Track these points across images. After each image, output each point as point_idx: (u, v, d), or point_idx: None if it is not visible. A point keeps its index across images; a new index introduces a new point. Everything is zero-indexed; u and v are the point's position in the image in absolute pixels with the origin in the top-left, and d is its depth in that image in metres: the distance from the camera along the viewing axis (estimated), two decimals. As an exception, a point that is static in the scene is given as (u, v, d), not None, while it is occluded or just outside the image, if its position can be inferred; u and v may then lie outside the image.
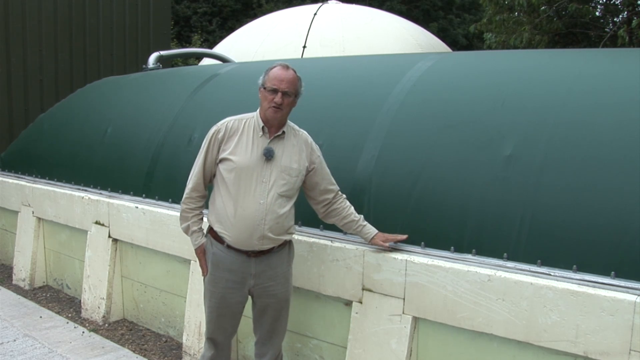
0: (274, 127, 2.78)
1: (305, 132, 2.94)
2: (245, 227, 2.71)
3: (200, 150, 2.84)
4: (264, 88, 2.75)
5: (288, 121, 2.86)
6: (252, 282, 2.82)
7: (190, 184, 2.85)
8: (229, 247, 2.77)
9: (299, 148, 2.84)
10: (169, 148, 4.32)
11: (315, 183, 2.90)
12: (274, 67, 2.78)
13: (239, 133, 2.77)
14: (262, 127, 2.76)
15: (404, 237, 2.89)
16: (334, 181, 2.96)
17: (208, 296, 2.87)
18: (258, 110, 2.84)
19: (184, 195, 2.88)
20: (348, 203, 2.95)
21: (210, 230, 2.85)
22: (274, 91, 2.71)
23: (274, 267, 2.85)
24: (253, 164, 2.71)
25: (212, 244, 2.83)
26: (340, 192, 2.97)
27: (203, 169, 2.82)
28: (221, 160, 2.76)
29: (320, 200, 2.94)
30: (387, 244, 2.89)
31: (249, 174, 2.71)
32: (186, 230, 2.91)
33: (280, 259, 2.87)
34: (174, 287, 4.10)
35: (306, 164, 2.85)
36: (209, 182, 2.88)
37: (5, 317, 4.52)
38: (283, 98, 2.71)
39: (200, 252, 2.86)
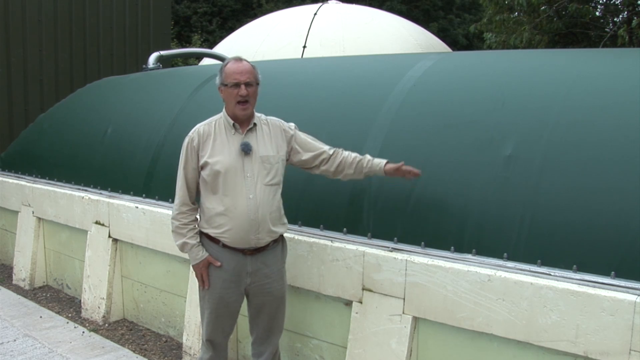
0: (244, 122, 2.81)
1: (274, 117, 2.95)
2: (240, 225, 2.71)
3: (179, 163, 2.83)
4: (225, 85, 2.76)
5: (255, 112, 2.88)
6: (249, 280, 2.82)
7: (177, 199, 2.83)
8: (224, 246, 2.77)
9: (274, 135, 2.87)
10: (169, 148, 4.32)
11: (305, 160, 2.93)
12: (227, 63, 2.79)
13: (212, 136, 2.78)
14: (233, 125, 2.79)
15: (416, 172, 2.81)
16: (319, 144, 2.97)
17: (206, 298, 2.87)
18: (224, 110, 2.85)
19: (174, 212, 2.84)
20: (347, 152, 2.93)
21: (202, 233, 2.84)
22: (236, 85, 2.72)
23: (270, 265, 2.86)
24: (234, 162, 2.73)
25: (207, 245, 2.82)
26: (333, 148, 2.96)
27: (186, 181, 2.81)
28: (202, 167, 2.77)
29: (319, 163, 2.94)
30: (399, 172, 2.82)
31: (233, 172, 2.72)
32: (182, 247, 2.83)
33: (274, 256, 2.89)
34: (174, 287, 4.10)
35: (285, 149, 2.89)
36: (195, 192, 2.86)
37: (5, 317, 4.52)
38: (247, 89, 2.73)
39: (204, 266, 2.80)
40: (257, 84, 2.81)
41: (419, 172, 2.82)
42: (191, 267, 3.76)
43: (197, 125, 2.85)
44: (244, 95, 2.71)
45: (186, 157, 2.80)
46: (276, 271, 2.90)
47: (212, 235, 2.78)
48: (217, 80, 2.81)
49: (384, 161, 2.88)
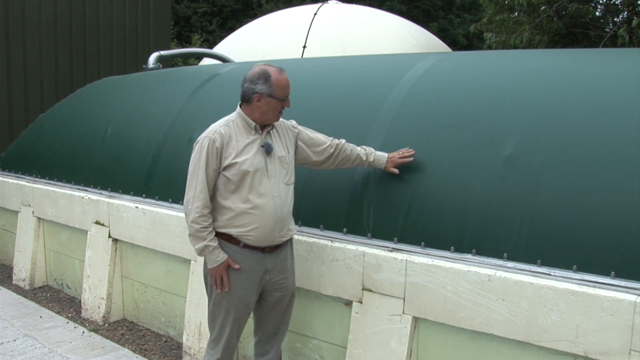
0: (262, 124, 2.85)
1: (280, 118, 2.98)
2: (268, 223, 2.75)
3: (196, 165, 2.74)
4: (273, 97, 2.76)
5: None
6: (267, 277, 2.86)
7: (198, 202, 2.71)
8: (245, 246, 2.78)
9: (283, 136, 2.93)
10: (169, 148, 4.32)
11: (310, 154, 3.02)
12: (272, 74, 2.77)
13: (233, 136, 2.78)
14: (255, 126, 2.81)
15: (411, 152, 3.01)
16: (324, 138, 3.05)
17: (224, 300, 2.82)
18: (239, 110, 2.84)
19: (194, 215, 2.71)
20: (350, 147, 3.04)
21: (220, 234, 2.80)
22: (285, 98, 2.81)
23: (284, 260, 2.93)
24: (257, 162, 2.75)
25: (226, 247, 2.79)
26: (337, 141, 3.05)
27: (207, 182, 2.74)
28: (225, 167, 2.74)
29: (324, 160, 3.04)
30: (396, 170, 3.02)
31: (258, 172, 2.74)
32: (203, 250, 2.75)
33: (287, 251, 2.96)
34: (174, 287, 4.10)
35: (294, 148, 2.97)
36: (212, 194, 2.82)
37: (5, 317, 4.52)
38: None
39: (225, 268, 2.76)
40: None
41: (412, 153, 3.02)
42: (191, 267, 3.77)
43: (215, 127, 2.80)
44: (289, 106, 2.84)
45: (207, 158, 2.72)
46: (289, 266, 2.97)
47: (234, 234, 2.76)
48: (262, 89, 2.75)
49: (384, 159, 3.02)
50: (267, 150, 2.79)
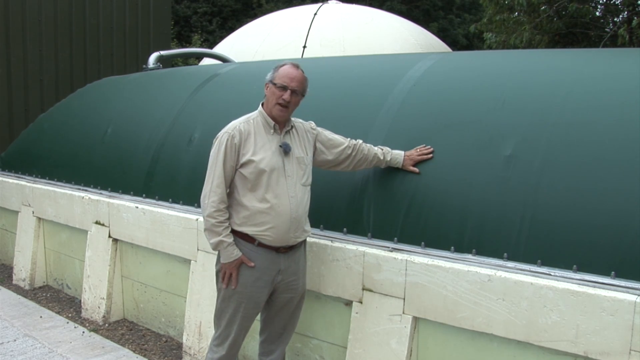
0: (282, 123, 2.85)
1: (299, 120, 2.99)
2: (283, 223, 2.74)
3: (214, 160, 2.76)
4: (273, 84, 2.78)
5: (291, 117, 2.91)
6: (279, 277, 2.85)
7: (214, 196, 2.73)
8: (260, 245, 2.78)
9: (302, 137, 2.92)
10: (169, 148, 4.32)
11: (329, 160, 2.99)
12: (284, 64, 2.81)
13: (252, 134, 2.78)
14: (274, 126, 2.81)
15: (429, 149, 3.00)
16: (341, 139, 3.03)
17: (233, 298, 2.82)
18: (261, 108, 2.86)
19: (210, 209, 2.73)
20: (367, 147, 3.02)
21: (235, 232, 2.80)
22: (284, 88, 2.76)
23: (297, 262, 2.92)
24: (275, 161, 2.75)
25: (241, 244, 2.79)
26: (354, 141, 3.02)
27: (224, 178, 2.74)
28: (242, 164, 2.74)
29: (342, 161, 3.01)
30: (416, 169, 3.00)
31: (275, 171, 2.74)
32: (217, 245, 2.76)
33: (301, 253, 2.96)
34: (174, 287, 4.10)
35: (312, 150, 2.95)
36: (230, 190, 2.82)
37: (6, 317, 4.52)
38: (291, 96, 2.76)
39: (237, 265, 2.77)
40: (303, 95, 2.86)
41: (430, 150, 3.00)
42: (191, 267, 3.77)
43: (235, 123, 2.82)
44: (286, 100, 2.75)
45: (225, 154, 2.74)
46: (302, 268, 2.97)
47: (251, 233, 2.77)
48: (268, 76, 2.83)
49: (401, 158, 3.01)
50: (285, 150, 2.78)
